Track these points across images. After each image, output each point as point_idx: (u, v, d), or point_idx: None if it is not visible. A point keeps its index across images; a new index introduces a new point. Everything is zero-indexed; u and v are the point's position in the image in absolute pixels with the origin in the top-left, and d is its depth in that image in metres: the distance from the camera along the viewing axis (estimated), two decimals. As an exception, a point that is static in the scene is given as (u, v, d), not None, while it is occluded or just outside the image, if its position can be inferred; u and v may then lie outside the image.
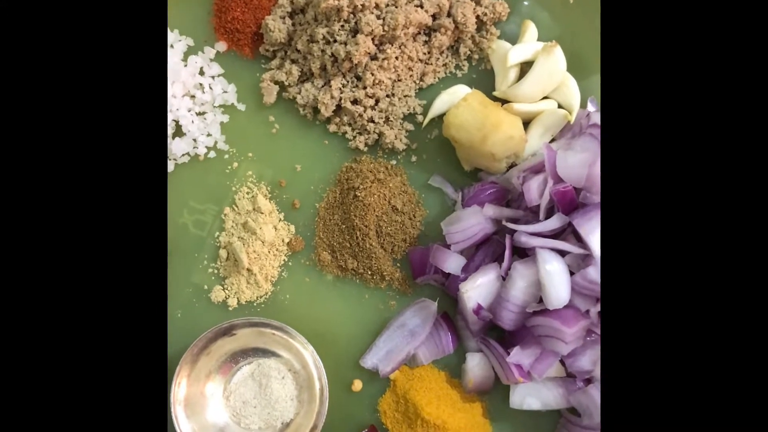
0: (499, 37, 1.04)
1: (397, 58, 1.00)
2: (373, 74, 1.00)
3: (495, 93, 1.01)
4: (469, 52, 1.05)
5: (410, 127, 1.03)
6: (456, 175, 1.03)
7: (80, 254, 0.66)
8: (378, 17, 0.98)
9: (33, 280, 0.64)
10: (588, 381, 0.90)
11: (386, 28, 0.97)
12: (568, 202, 0.89)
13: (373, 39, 0.98)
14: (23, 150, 0.66)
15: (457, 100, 0.97)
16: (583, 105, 1.01)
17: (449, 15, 1.01)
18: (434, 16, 1.01)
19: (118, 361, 0.65)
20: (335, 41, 0.99)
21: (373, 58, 1.00)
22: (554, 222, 0.90)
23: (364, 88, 1.00)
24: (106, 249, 0.66)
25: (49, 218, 0.66)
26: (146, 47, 0.70)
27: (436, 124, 1.03)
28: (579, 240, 0.88)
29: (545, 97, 1.01)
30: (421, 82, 1.04)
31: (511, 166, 1.00)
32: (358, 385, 0.97)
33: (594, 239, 0.85)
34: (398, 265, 1.00)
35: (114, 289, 0.66)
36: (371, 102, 1.01)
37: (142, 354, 0.66)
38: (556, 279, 0.86)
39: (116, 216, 0.67)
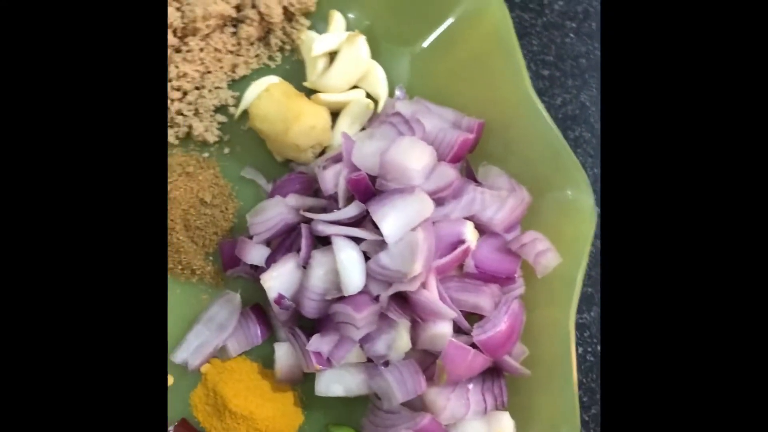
0: (310, 28, 1.05)
1: (202, 50, 1.00)
2: (177, 67, 0.99)
3: (305, 83, 1.02)
4: (280, 43, 1.05)
5: (223, 119, 1.03)
6: (270, 166, 1.03)
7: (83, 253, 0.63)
8: (178, 9, 0.97)
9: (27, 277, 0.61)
10: (386, 364, 0.91)
11: (185, 20, 0.96)
12: (363, 190, 0.90)
13: (174, 32, 0.97)
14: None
15: (264, 91, 0.97)
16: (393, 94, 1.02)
17: (254, 6, 1.01)
18: (238, 8, 1.01)
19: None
20: (135, 34, 0.98)
21: (178, 50, 0.99)
22: (352, 210, 0.91)
23: (170, 81, 0.99)
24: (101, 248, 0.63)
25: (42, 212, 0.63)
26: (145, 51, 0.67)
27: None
28: (377, 227, 0.89)
29: (356, 87, 1.03)
30: (233, 74, 1.04)
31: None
32: (169, 380, 0.97)
33: (386, 225, 0.86)
34: (211, 258, 1.00)
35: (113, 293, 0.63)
36: (178, 95, 1.00)
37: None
38: (349, 266, 0.87)
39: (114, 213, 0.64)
